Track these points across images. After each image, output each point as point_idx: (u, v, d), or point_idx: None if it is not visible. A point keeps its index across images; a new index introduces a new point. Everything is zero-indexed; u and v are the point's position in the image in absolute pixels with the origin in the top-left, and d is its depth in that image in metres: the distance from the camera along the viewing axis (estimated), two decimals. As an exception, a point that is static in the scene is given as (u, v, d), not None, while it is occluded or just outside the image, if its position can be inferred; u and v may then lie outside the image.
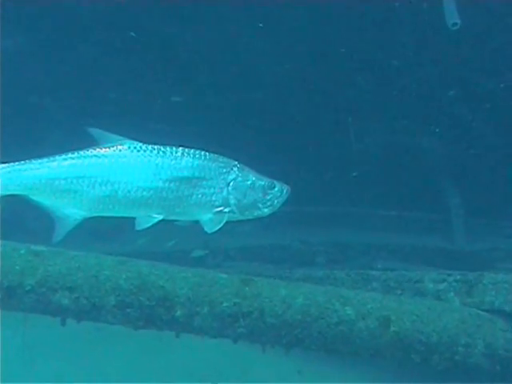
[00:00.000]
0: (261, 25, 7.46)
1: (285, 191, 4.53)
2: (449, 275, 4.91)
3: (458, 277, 4.87)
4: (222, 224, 4.42)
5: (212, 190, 4.39)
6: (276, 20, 7.59)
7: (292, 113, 8.27)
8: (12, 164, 4.17)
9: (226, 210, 4.43)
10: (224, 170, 4.42)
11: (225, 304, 4.44)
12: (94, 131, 4.28)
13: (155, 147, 4.33)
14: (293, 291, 4.58)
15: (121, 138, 4.31)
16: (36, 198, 4.23)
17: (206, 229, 4.43)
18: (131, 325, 4.48)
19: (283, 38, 7.80)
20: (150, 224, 4.35)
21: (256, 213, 4.52)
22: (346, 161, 8.25)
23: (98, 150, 4.27)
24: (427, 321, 4.50)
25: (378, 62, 7.86)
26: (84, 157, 4.23)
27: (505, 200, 8.14)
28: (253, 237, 8.08)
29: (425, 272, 5.02)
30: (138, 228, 4.33)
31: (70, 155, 4.23)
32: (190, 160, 4.35)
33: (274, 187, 4.50)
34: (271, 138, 8.18)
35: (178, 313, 4.43)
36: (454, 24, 5.44)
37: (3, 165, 4.14)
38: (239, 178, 4.44)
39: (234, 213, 4.46)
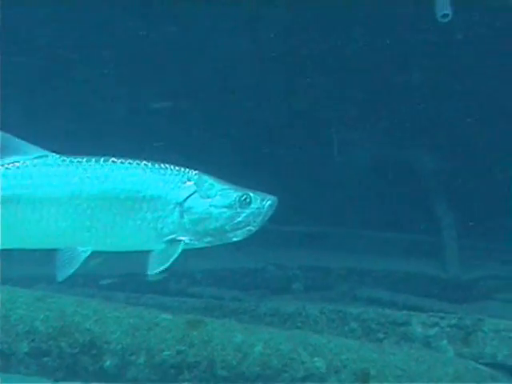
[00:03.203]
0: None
1: (266, 206, 3.49)
2: (441, 318, 4.07)
3: (453, 321, 4.02)
4: (173, 258, 3.43)
5: (158, 214, 3.36)
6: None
7: (270, 129, 7.48)
8: None
9: (182, 237, 3.44)
10: (173, 185, 3.38)
11: (166, 352, 3.68)
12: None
13: (73, 159, 3.37)
14: (251, 337, 3.77)
15: (31, 146, 3.38)
16: None
17: (152, 266, 3.45)
18: (49, 376, 3.63)
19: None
20: (75, 263, 3.40)
21: (224, 238, 3.56)
22: (326, 176, 7.44)
23: (5, 166, 3.31)
24: (414, 376, 3.64)
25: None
26: None
27: (503, 221, 7.34)
28: (222, 259, 7.25)
29: (413, 313, 4.16)
30: (59, 279, 3.40)
31: None
32: (124, 172, 3.32)
33: (250, 202, 3.46)
34: (245, 152, 7.38)
35: (108, 362, 3.66)
36: (445, 15, 4.69)
37: None
38: (196, 194, 3.40)
39: (192, 242, 3.49)
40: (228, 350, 3.64)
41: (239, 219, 3.47)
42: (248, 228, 3.51)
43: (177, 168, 3.47)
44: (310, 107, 7.19)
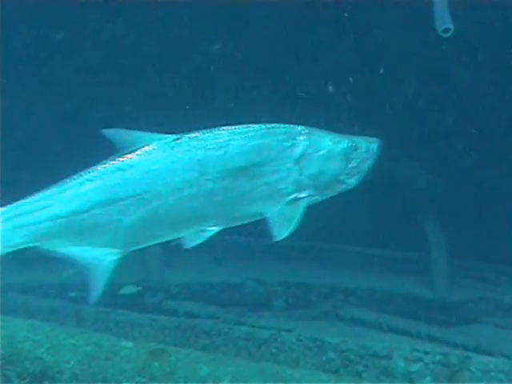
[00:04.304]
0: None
1: (374, 148, 3.39)
2: (426, 353, 3.75)
3: (438, 357, 3.71)
4: (300, 216, 3.27)
5: (278, 176, 3.24)
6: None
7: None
8: (12, 206, 3.03)
9: (303, 194, 3.27)
10: (287, 144, 3.26)
11: (124, 385, 3.28)
12: (110, 133, 3.14)
13: (190, 136, 3.18)
14: (217, 369, 3.44)
15: (145, 134, 3.17)
16: (50, 246, 3.13)
17: (278, 231, 3.23)
18: (-7, 410, 3.31)
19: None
20: (202, 240, 3.24)
21: (340, 188, 3.39)
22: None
23: (119, 159, 3.12)
24: (394, 417, 3.35)
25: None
26: (104, 174, 3.10)
27: (494, 240, 7.06)
28: (200, 272, 6.96)
29: (395, 345, 3.86)
30: (187, 246, 3.24)
31: (84, 177, 3.10)
32: (241, 142, 3.19)
33: (358, 148, 3.35)
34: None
35: (60, 395, 3.27)
36: (446, 30, 4.45)
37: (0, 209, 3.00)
38: (310, 149, 3.29)
39: (313, 196, 3.32)
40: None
41: (352, 166, 3.35)
42: (360, 174, 3.38)
43: (285, 125, 3.33)
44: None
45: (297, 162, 3.26)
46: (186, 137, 3.18)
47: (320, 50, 6.90)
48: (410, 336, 5.69)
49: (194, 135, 3.18)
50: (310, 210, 3.38)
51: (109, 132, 3.13)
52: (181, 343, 5.08)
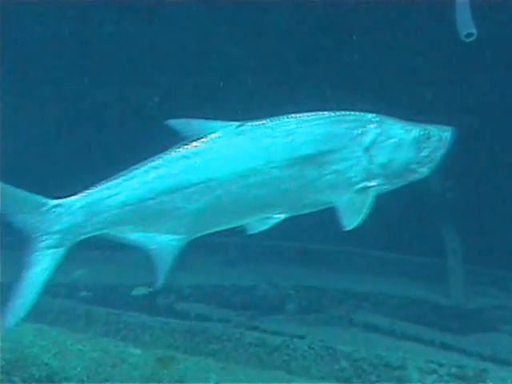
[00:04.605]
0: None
1: (446, 137, 3.28)
2: (440, 365, 3.65)
3: (453, 369, 3.61)
4: (370, 206, 3.20)
5: (347, 164, 3.19)
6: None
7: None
8: (83, 195, 3.07)
9: (372, 183, 3.21)
10: (357, 131, 3.20)
11: (132, 392, 3.22)
12: (175, 123, 3.12)
13: (256, 124, 3.14)
14: (227, 378, 3.36)
15: (210, 122, 3.16)
16: (117, 233, 3.16)
17: (347, 220, 3.15)
18: (-1, 415, 3.25)
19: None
20: (267, 226, 3.19)
21: (410, 177, 3.30)
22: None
23: (184, 147, 3.12)
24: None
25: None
26: (169, 162, 3.12)
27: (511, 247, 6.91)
28: (212, 274, 6.89)
29: (409, 355, 3.76)
30: (251, 232, 3.20)
31: (150, 165, 3.12)
32: (309, 130, 3.15)
33: (431, 136, 3.26)
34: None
35: (67, 401, 3.21)
36: (469, 35, 4.31)
37: (72, 198, 3.04)
38: (381, 137, 3.22)
39: (383, 185, 3.25)
40: (200, 392, 3.27)
41: (424, 155, 3.26)
42: (432, 163, 3.28)
43: (355, 112, 3.26)
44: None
45: (367, 151, 3.19)
46: (251, 124, 3.15)
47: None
48: (425, 344, 5.58)
49: (260, 123, 3.16)
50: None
51: (174, 122, 3.13)
52: (191, 347, 5.01)
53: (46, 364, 3.26)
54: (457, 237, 7.04)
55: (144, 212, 3.12)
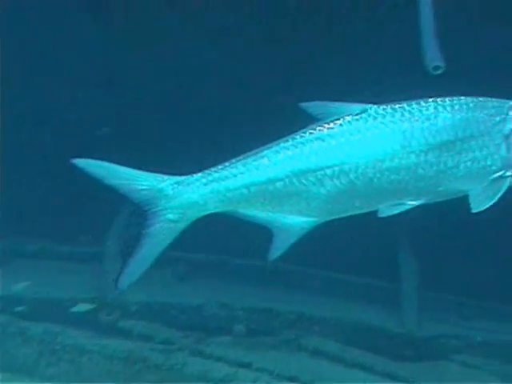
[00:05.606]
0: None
1: None
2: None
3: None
4: (500, 194, 3.12)
5: (486, 151, 3.10)
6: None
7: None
8: (207, 172, 3.13)
9: (508, 173, 3.11)
10: (497, 119, 3.10)
11: None
12: (309, 105, 3.10)
13: (394, 107, 3.08)
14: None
15: (345, 104, 3.11)
16: (244, 212, 3.18)
17: (476, 204, 3.11)
18: None
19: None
20: (398, 211, 3.16)
21: None
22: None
23: (317, 129, 3.08)
24: None
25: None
26: (301, 143, 3.10)
27: (469, 271, 6.79)
28: (161, 290, 6.63)
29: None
30: (381, 215, 3.17)
31: (280, 145, 3.11)
32: (449, 115, 3.06)
33: None
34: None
35: None
36: (436, 68, 4.17)
37: (196, 175, 3.13)
38: None
39: None
40: None
41: None
42: None
43: (495, 99, 3.20)
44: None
45: (506, 138, 3.10)
46: (389, 107, 3.10)
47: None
48: (370, 372, 5.46)
49: (398, 106, 3.10)
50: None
51: (308, 104, 3.11)
52: (129, 376, 4.81)
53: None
54: (413, 261, 6.92)
55: (271, 193, 3.09)
